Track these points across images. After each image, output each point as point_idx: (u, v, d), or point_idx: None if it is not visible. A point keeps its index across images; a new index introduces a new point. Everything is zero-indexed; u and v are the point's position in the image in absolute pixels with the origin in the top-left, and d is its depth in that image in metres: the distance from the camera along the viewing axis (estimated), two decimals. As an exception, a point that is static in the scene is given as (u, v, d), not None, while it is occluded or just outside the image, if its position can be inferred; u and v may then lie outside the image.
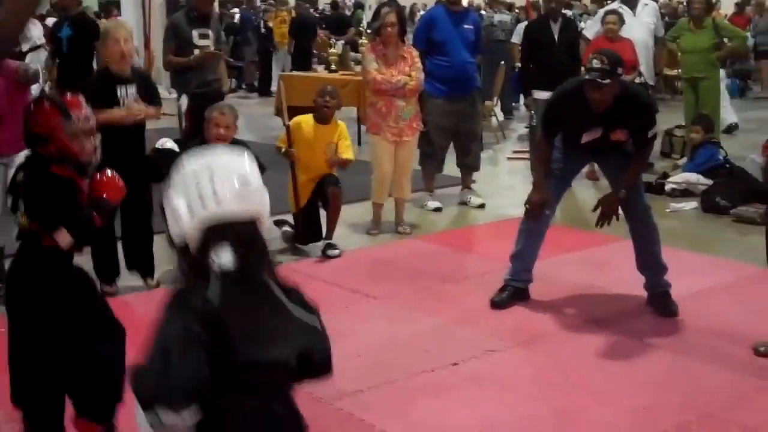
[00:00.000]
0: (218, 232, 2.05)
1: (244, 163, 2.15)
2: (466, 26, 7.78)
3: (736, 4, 20.75)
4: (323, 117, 6.60)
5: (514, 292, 5.44)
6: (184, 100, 7.24)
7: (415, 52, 7.18)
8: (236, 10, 21.58)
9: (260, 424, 2.11)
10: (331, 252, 6.46)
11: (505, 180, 9.37)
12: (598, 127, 5.07)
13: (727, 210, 7.50)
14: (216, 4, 21.22)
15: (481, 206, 8.00)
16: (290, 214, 6.62)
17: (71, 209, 3.36)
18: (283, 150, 6.56)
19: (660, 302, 5.29)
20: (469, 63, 7.81)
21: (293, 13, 16.91)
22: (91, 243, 3.66)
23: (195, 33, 7.33)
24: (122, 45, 5.39)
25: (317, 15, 21.75)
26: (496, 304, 5.37)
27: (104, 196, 3.46)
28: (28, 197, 3.36)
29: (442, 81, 7.62)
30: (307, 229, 6.57)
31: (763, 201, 7.48)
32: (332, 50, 13.77)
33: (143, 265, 5.74)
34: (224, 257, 2.03)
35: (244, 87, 18.55)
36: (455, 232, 7.40)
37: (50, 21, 13.09)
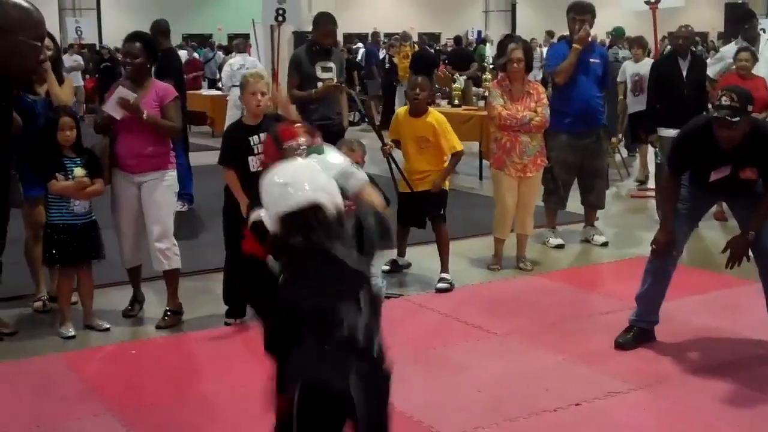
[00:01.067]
0: (286, 221, 2.75)
1: (296, 169, 2.88)
2: (592, 60, 7.70)
3: None
4: (415, 109, 6.65)
5: (639, 334, 5.34)
6: None
7: (541, 89, 7.17)
8: (360, 45, 21.97)
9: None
10: (440, 285, 6.51)
11: (629, 218, 9.22)
12: (727, 165, 4.96)
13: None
14: (339, 38, 21.59)
15: (605, 244, 7.89)
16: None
17: None
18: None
19: None
20: (595, 97, 7.73)
21: (415, 48, 17.10)
22: None
23: (318, 67, 7.49)
24: (258, 97, 5.60)
25: (440, 50, 21.92)
26: (621, 345, 5.28)
27: None
28: None
29: (567, 116, 7.56)
30: (410, 213, 6.65)
31: None
32: (455, 85, 13.82)
33: None
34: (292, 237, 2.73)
35: (366, 120, 18.80)
36: (578, 269, 7.31)
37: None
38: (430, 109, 6.87)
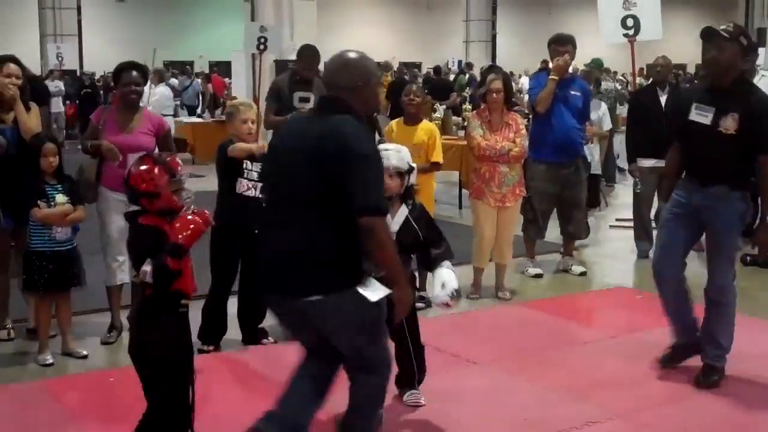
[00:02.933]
0: None
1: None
2: (572, 92, 7.78)
3: None
4: (409, 117, 6.69)
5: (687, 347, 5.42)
6: None
7: (521, 119, 7.24)
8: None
9: None
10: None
11: (607, 248, 9.29)
12: (710, 108, 4.98)
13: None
14: (321, 66, 21.69)
15: (583, 274, 7.95)
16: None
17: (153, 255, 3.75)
18: None
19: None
20: (574, 129, 7.79)
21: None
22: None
23: (296, 96, 7.54)
24: (249, 125, 5.78)
25: (421, 80, 22.03)
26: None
27: (179, 239, 3.71)
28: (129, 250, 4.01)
29: (547, 146, 7.62)
30: None
31: None
32: (435, 115, 13.91)
33: None
34: None
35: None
36: (556, 299, 7.35)
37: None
38: (425, 121, 6.93)
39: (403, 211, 4.59)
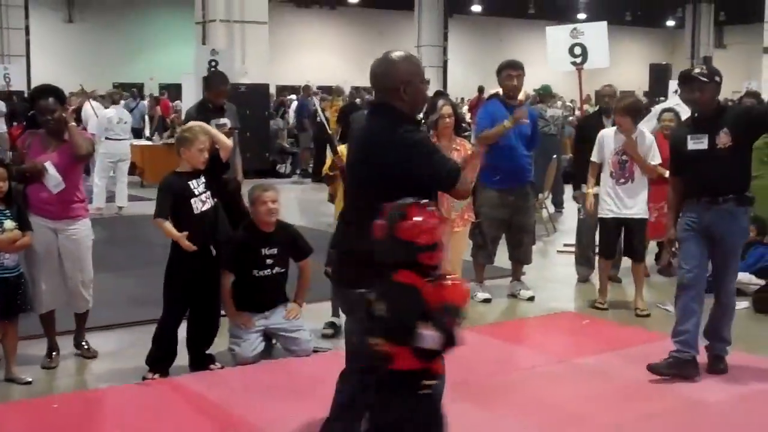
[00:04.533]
0: None
1: None
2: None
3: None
4: None
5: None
6: None
7: (468, 145, 7.28)
8: (293, 97, 22.08)
9: None
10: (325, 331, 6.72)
11: (555, 273, 9.37)
12: (704, 135, 5.77)
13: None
14: (272, 91, 21.64)
15: (531, 299, 8.00)
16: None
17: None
18: (329, 170, 6.69)
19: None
20: (524, 156, 7.86)
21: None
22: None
23: (213, 123, 7.51)
24: (206, 154, 5.79)
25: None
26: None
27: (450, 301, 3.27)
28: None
29: (496, 172, 7.62)
30: None
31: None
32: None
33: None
34: None
35: (298, 173, 18.88)
36: (504, 323, 7.40)
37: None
38: None
39: None
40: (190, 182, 5.70)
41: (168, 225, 5.62)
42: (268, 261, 6.16)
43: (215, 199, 5.85)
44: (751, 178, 6.00)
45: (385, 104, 3.88)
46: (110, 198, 12.99)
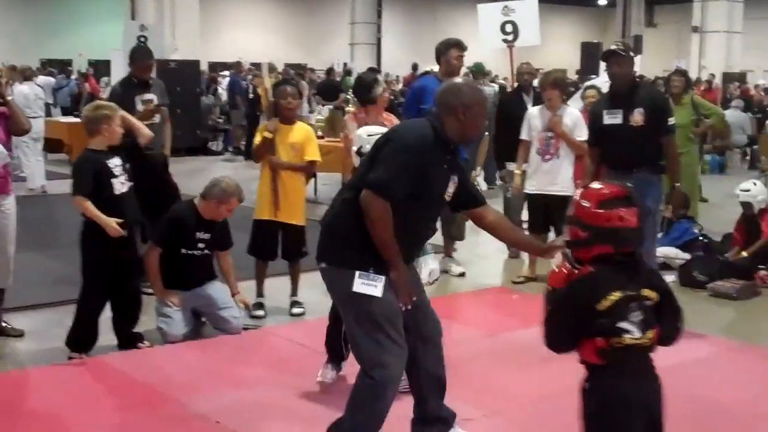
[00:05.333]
0: None
1: None
2: None
3: (706, 81, 21.54)
4: (286, 118, 6.62)
5: None
6: None
7: (395, 120, 7.26)
8: (225, 73, 21.84)
9: None
10: (295, 310, 6.71)
11: (486, 249, 9.43)
12: (618, 111, 6.29)
13: (704, 284, 7.59)
14: (203, 67, 21.39)
15: (462, 275, 8.06)
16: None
17: None
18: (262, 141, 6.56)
19: None
20: None
21: (280, 78, 17.12)
22: None
23: (138, 99, 7.40)
24: (122, 128, 5.72)
25: (310, 82, 22.07)
26: None
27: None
28: None
29: None
30: (265, 243, 6.65)
31: (739, 276, 7.60)
32: (318, 116, 13.91)
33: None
34: None
35: (231, 150, 18.71)
36: (435, 299, 7.34)
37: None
38: (299, 122, 6.84)
39: None
40: (108, 161, 5.60)
41: (92, 206, 5.49)
42: (200, 244, 6.13)
43: (131, 182, 5.75)
44: (661, 150, 6.44)
45: (430, 114, 4.03)
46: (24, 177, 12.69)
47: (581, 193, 3.22)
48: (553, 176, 7.54)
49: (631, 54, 6.38)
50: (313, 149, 6.71)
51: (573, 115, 7.65)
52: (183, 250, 6.07)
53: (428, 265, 5.05)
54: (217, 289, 6.25)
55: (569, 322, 3.09)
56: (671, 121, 6.47)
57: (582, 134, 7.50)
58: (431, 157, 3.84)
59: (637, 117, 6.28)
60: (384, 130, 5.26)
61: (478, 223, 4.25)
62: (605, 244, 3.09)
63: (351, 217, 3.81)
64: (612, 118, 6.39)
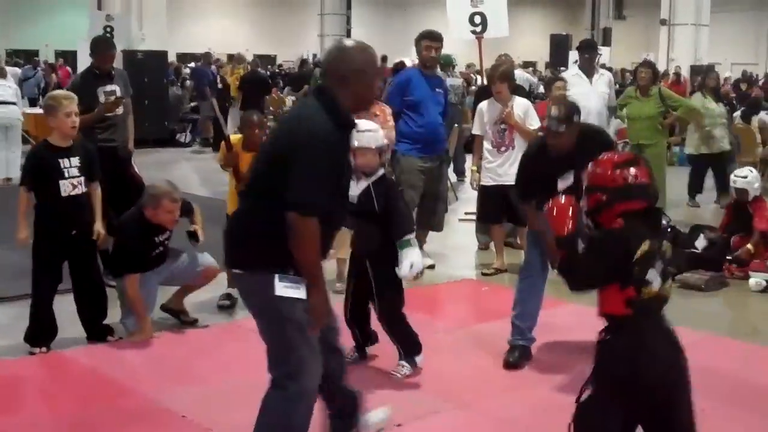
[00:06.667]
0: None
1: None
2: (437, 90, 7.87)
3: (675, 73, 21.68)
4: (251, 147, 6.51)
5: (523, 352, 5.53)
6: None
7: (388, 110, 7.23)
8: (192, 65, 21.67)
9: None
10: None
11: (456, 241, 9.42)
12: (569, 172, 5.20)
13: (673, 276, 7.58)
14: (172, 58, 21.19)
15: (431, 267, 8.02)
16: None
17: None
18: (224, 161, 6.49)
19: None
20: (441, 125, 7.92)
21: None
22: None
23: (100, 90, 7.27)
24: (74, 118, 5.55)
25: (277, 72, 22.00)
26: (512, 365, 5.44)
27: None
28: None
29: (416, 141, 7.68)
30: None
31: (707, 268, 7.63)
32: (286, 107, 13.85)
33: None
34: None
35: (198, 141, 18.57)
36: (406, 291, 7.38)
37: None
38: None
39: (369, 179, 5.02)
40: (61, 160, 5.47)
41: (23, 202, 5.46)
42: (160, 248, 6.01)
43: (87, 188, 5.63)
44: None
45: (322, 90, 3.66)
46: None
47: (592, 164, 3.48)
48: (509, 167, 7.50)
49: (575, 119, 5.21)
50: None
51: (523, 105, 7.71)
52: (152, 253, 5.98)
53: (408, 257, 4.82)
54: (179, 256, 6.21)
55: (608, 265, 3.26)
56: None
57: (534, 123, 7.54)
58: (341, 147, 3.63)
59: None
60: (373, 125, 5.25)
61: None
62: (625, 201, 3.31)
63: (264, 222, 3.55)
64: (564, 182, 5.24)
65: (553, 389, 5.05)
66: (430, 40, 7.83)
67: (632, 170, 3.35)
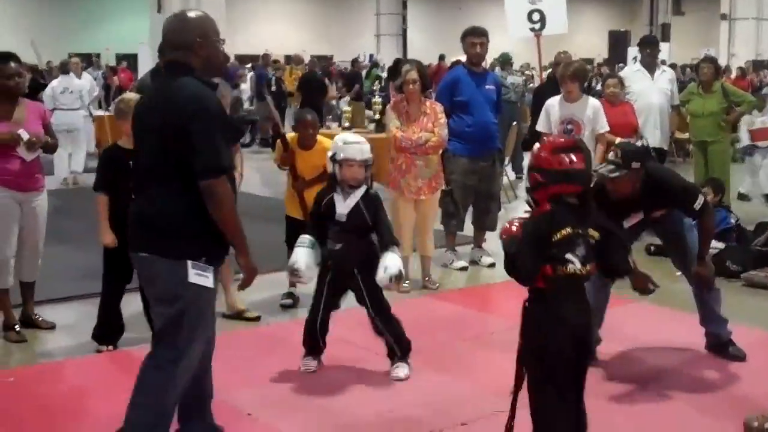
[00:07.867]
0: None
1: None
2: (487, 86, 7.82)
3: (739, 68, 21.28)
4: (306, 146, 6.57)
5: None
6: None
7: (439, 107, 7.22)
8: (248, 66, 21.84)
9: None
10: None
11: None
12: (638, 212, 5.18)
13: (738, 274, 7.49)
14: (232, 60, 21.36)
15: (492, 265, 8.01)
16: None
17: None
18: (281, 160, 6.64)
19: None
20: (492, 123, 7.85)
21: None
22: None
23: None
24: None
25: (337, 72, 22.17)
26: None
27: None
28: None
29: (466, 140, 7.65)
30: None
31: (773, 266, 7.50)
32: (345, 108, 13.94)
33: None
34: None
35: (257, 142, 18.72)
36: (465, 290, 7.40)
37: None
38: (318, 138, 6.74)
39: (356, 195, 5.04)
40: (131, 162, 5.54)
41: (103, 206, 5.54)
42: None
43: None
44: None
45: (176, 63, 3.73)
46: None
47: (539, 145, 3.69)
48: None
49: (635, 165, 4.98)
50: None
51: (594, 106, 7.61)
52: None
53: (383, 262, 4.93)
54: None
55: (534, 250, 3.52)
56: (698, 203, 5.12)
57: (604, 126, 7.47)
58: (218, 105, 3.73)
59: (657, 214, 5.34)
60: (360, 138, 5.28)
61: None
62: (558, 184, 3.55)
63: (179, 207, 3.64)
64: (630, 221, 5.21)
65: (617, 387, 5.02)
66: (473, 36, 7.81)
67: (572, 156, 3.56)
